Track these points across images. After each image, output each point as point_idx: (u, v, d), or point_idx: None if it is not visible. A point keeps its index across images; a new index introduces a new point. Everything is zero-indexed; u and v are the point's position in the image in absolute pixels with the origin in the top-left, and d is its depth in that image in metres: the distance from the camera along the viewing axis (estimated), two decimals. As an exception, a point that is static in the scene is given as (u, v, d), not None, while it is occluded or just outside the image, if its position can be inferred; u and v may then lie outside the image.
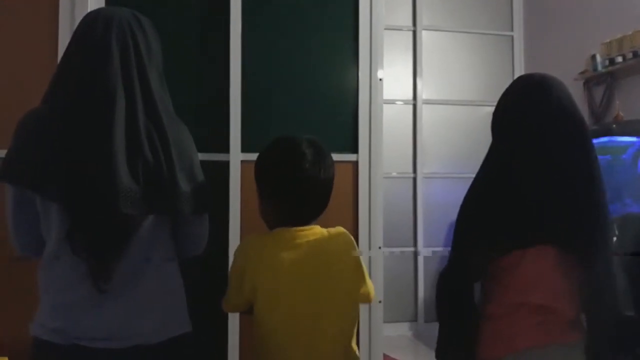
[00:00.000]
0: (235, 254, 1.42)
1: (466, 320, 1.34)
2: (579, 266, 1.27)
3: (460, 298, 1.35)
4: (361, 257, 1.42)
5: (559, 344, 1.28)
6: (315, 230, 1.38)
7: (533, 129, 1.30)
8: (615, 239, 2.25)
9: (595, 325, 1.29)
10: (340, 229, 1.43)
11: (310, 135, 1.42)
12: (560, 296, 1.29)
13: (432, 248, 4.36)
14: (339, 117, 2.10)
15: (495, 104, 1.43)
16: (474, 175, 1.39)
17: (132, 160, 1.12)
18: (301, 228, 1.36)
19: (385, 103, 2.22)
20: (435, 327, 1.41)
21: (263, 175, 1.39)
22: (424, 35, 4.52)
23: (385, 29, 2.34)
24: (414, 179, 4.43)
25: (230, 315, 1.94)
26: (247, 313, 1.42)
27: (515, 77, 1.54)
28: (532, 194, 1.27)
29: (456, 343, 1.35)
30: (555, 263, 1.27)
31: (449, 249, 1.37)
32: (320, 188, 1.37)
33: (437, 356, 1.38)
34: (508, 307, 1.30)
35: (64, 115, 1.13)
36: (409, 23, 4.52)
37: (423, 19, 4.51)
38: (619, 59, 3.40)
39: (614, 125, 3.09)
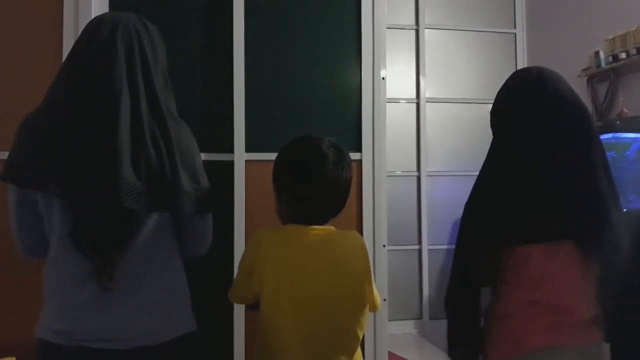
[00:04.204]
0: (246, 246, 1.41)
1: (473, 323, 1.32)
2: (593, 262, 1.23)
3: (466, 302, 1.32)
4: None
5: (571, 345, 1.21)
6: (327, 230, 1.37)
7: (533, 123, 1.28)
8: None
9: (607, 320, 1.25)
10: (354, 232, 1.42)
11: (330, 137, 1.41)
12: (573, 294, 1.24)
13: (436, 246, 4.36)
14: (342, 116, 2.11)
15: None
16: (477, 173, 1.37)
17: (135, 158, 1.11)
18: (315, 227, 1.35)
19: (388, 102, 2.23)
20: (440, 324, 1.40)
21: (282, 175, 1.38)
22: (427, 34, 4.51)
23: (388, 27, 2.35)
24: (418, 177, 4.42)
25: (235, 314, 1.95)
26: (254, 310, 1.43)
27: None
28: (534, 188, 1.24)
29: (465, 346, 1.32)
30: (566, 260, 1.24)
31: (454, 247, 1.35)
32: (340, 189, 1.36)
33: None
34: (518, 306, 1.26)
35: (67, 113, 1.12)
36: (412, 22, 4.51)
37: (426, 17, 4.50)
38: (623, 55, 3.39)
39: (618, 122, 3.08)
